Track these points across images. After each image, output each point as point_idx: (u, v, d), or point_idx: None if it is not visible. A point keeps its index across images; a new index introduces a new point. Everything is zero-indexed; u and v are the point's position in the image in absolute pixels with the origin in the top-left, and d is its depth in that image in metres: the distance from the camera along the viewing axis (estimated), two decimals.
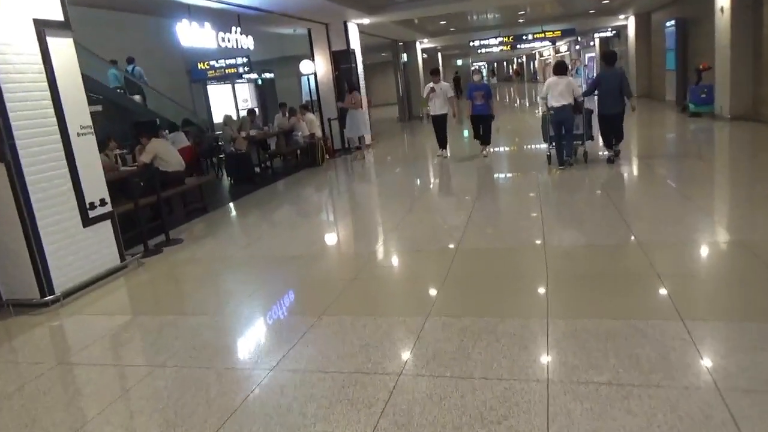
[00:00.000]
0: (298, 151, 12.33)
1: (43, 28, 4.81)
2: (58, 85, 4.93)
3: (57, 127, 4.91)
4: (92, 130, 5.36)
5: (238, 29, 10.01)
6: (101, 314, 4.45)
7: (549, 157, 8.82)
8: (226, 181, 11.04)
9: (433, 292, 4.07)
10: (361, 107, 12.35)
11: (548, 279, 4.05)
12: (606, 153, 8.75)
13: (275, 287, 4.65)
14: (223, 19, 9.99)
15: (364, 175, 10.83)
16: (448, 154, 11.07)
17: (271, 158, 12.02)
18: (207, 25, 9.15)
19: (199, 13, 9.11)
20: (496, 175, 9.02)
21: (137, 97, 16.63)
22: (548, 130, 8.62)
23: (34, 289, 4.72)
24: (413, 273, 4.76)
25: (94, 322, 4.34)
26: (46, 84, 4.83)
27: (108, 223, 5.43)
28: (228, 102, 19.46)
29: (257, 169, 11.61)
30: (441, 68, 27.12)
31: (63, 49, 5.04)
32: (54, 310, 4.65)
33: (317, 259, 5.37)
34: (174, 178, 7.77)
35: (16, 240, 4.63)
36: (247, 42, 10.30)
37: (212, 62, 19.74)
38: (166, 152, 7.76)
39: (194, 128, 12.26)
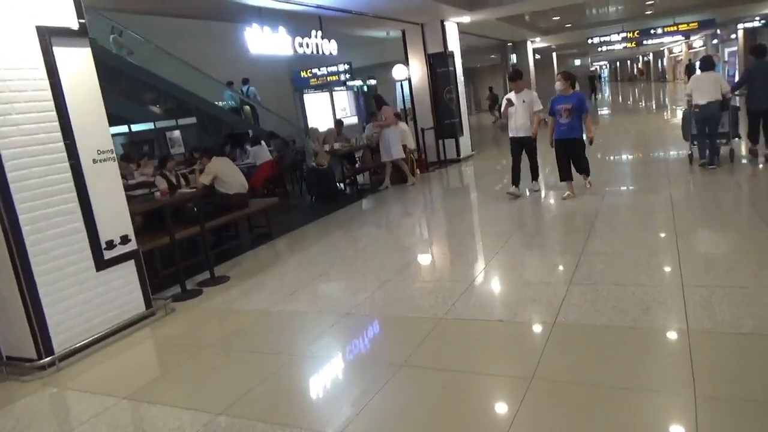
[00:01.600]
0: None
1: (48, 36, 4.03)
2: (68, 103, 4.13)
3: (65, 153, 4.11)
4: (114, 155, 4.52)
5: (319, 33, 9.07)
6: (90, 391, 3.54)
7: (690, 156, 8.45)
8: (308, 199, 10.19)
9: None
10: (395, 123, 10.16)
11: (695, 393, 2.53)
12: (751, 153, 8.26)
13: (314, 364, 3.50)
14: (302, 23, 9.13)
15: (452, 197, 9.48)
16: (537, 188, 8.02)
17: (356, 174, 11.01)
18: (281, 29, 8.28)
19: (273, 17, 8.28)
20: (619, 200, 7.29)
21: (246, 108, 16.68)
22: (690, 128, 8.24)
23: (31, 348, 3.95)
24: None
25: (77, 403, 3.44)
26: (51, 103, 4.05)
27: (131, 263, 4.59)
28: (326, 111, 18.87)
29: (342, 186, 10.66)
30: (556, 69, 24.93)
31: (77, 60, 4.25)
32: (48, 375, 3.84)
33: (381, 318, 4.15)
34: (236, 201, 6.93)
35: (9, 288, 3.88)
36: (330, 47, 9.36)
37: (314, 70, 19.42)
38: (227, 173, 6.94)
39: (278, 141, 11.56)
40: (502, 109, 7.81)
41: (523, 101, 7.45)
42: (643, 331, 3.32)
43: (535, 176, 8.00)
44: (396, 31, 12.42)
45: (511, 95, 7.63)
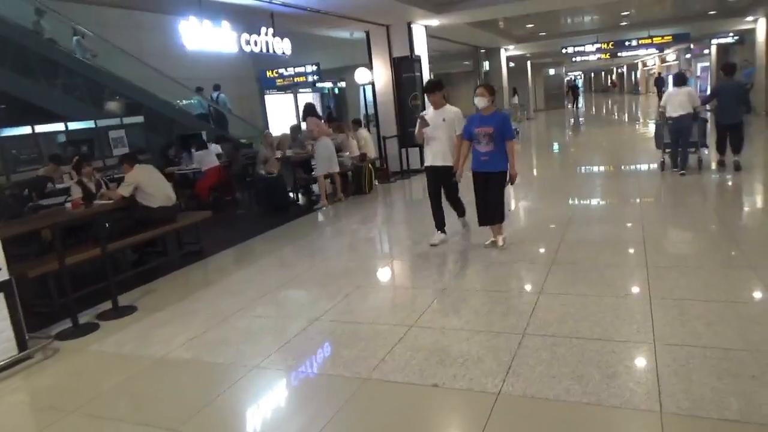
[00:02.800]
0: (349, 174, 10.47)
1: None
2: None
3: None
4: None
5: (270, 30, 8.30)
6: None
7: (663, 163, 9.10)
8: (257, 209, 9.39)
9: None
10: (326, 134, 9.16)
11: None
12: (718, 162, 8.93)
13: None
14: (251, 18, 8.36)
15: (408, 212, 8.80)
16: (467, 225, 6.24)
17: (309, 183, 10.25)
18: (224, 24, 7.49)
19: (216, 10, 7.49)
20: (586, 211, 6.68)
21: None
22: (662, 137, 8.96)
23: None
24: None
25: None
26: None
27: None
28: (289, 114, 18.05)
29: (295, 196, 9.90)
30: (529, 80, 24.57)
31: None
32: None
33: (297, 374, 3.40)
34: (161, 215, 6.11)
35: None
36: (282, 45, 8.59)
37: (281, 70, 18.58)
38: (151, 183, 6.11)
39: (228, 146, 10.73)
40: (416, 130, 5.77)
41: (443, 120, 5.57)
42: (607, 410, 2.65)
43: (461, 213, 6.14)
44: (360, 32, 11.72)
45: (428, 113, 5.76)
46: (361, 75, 11.44)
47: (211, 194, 9.73)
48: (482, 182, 5.42)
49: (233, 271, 6.08)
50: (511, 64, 25.24)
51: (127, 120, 12.46)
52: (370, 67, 11.66)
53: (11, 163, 10.22)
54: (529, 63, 29.10)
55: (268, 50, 8.26)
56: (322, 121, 10.10)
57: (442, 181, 5.78)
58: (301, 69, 18.25)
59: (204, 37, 7.15)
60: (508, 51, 21.60)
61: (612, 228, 6.30)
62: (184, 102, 15.88)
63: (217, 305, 4.80)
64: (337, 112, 23.10)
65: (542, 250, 5.56)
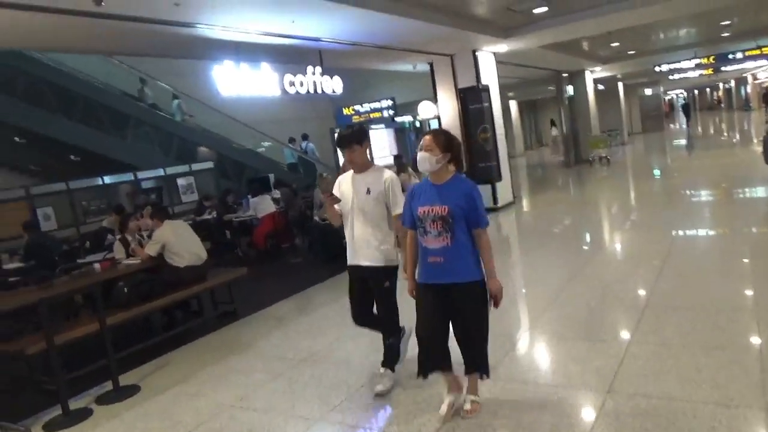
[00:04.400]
0: None
1: None
2: None
3: None
4: None
5: (318, 68, 7.82)
6: None
7: None
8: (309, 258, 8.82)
9: None
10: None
11: None
12: None
13: None
14: (295, 58, 7.93)
15: None
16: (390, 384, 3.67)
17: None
18: (264, 66, 7.08)
19: (255, 52, 7.10)
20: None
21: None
22: None
23: None
24: None
25: None
26: None
27: None
28: None
29: None
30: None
31: None
32: None
33: None
34: (187, 275, 5.63)
35: None
36: (332, 84, 8.08)
37: (356, 106, 18.41)
38: (178, 242, 5.65)
39: (285, 190, 10.34)
40: (326, 205, 3.79)
41: (368, 191, 3.46)
42: None
43: (391, 332, 3.69)
44: (423, 64, 11.06)
45: (345, 178, 3.62)
46: (425, 109, 10.73)
47: (268, 242, 9.32)
48: (436, 303, 3.06)
49: (263, 335, 5.44)
50: (600, 87, 23.57)
51: (197, 166, 12.56)
52: (435, 99, 10.93)
53: (82, 214, 10.42)
54: (620, 84, 27.17)
55: (315, 90, 7.77)
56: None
57: (372, 288, 3.55)
58: (376, 104, 17.97)
59: (241, 81, 6.74)
60: (594, 73, 20.10)
61: (718, 284, 5.04)
62: (263, 148, 16.20)
63: (236, 383, 4.14)
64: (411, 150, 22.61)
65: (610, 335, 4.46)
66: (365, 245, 3.48)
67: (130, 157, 11.69)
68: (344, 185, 3.57)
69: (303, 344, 4.88)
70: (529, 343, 4.20)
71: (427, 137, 3.07)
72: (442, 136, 3.08)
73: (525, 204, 11.65)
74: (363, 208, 3.47)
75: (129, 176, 11.32)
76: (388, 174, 3.52)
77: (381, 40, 8.34)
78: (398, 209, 3.39)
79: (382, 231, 3.49)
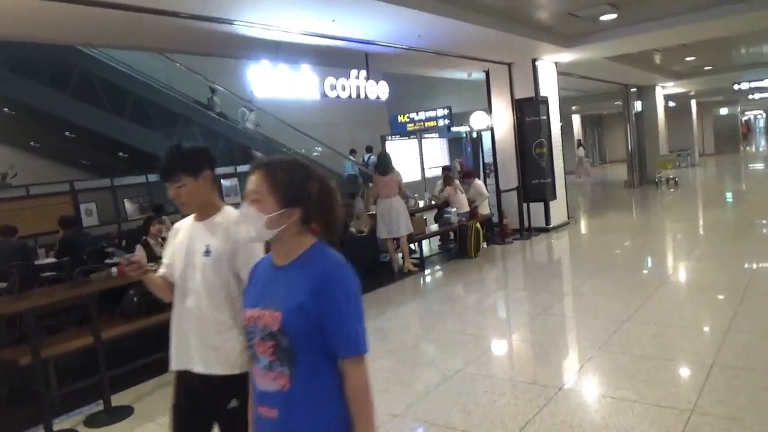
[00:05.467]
0: (452, 234, 9.13)
1: None
2: None
3: None
4: None
5: (362, 73, 7.40)
6: None
7: None
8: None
9: None
10: (397, 193, 7.55)
11: None
12: None
13: None
14: (339, 60, 7.54)
15: (523, 284, 7.18)
16: None
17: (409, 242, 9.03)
18: (305, 68, 6.72)
19: (296, 53, 6.75)
20: None
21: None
22: None
23: None
24: None
25: None
26: None
27: None
28: (412, 161, 17.17)
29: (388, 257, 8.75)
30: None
31: None
32: None
33: None
34: None
35: None
36: (377, 90, 7.64)
37: (412, 114, 18.02)
38: None
39: None
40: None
41: (206, 251, 2.13)
42: None
43: None
44: (478, 72, 10.48)
45: (183, 227, 2.27)
46: (477, 119, 10.14)
47: None
48: None
49: None
50: (671, 104, 22.18)
51: (241, 168, 12.38)
52: (489, 110, 10.32)
53: (124, 212, 10.38)
54: (693, 102, 25.57)
55: (358, 95, 7.35)
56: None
57: (206, 408, 2.12)
58: (432, 113, 17.57)
59: (278, 82, 6.39)
60: (665, 88, 18.86)
61: None
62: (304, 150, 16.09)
63: None
64: (474, 160, 22.00)
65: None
66: (198, 340, 2.10)
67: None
68: (178, 238, 2.23)
69: None
70: (565, 401, 3.56)
71: (253, 176, 1.60)
72: (281, 173, 1.56)
73: (580, 226, 10.83)
74: (197, 278, 2.11)
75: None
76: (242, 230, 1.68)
77: (431, 44, 7.83)
78: (244, 273, 1.94)
79: (226, 317, 2.09)
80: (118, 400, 4.08)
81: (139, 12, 4.83)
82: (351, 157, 15.75)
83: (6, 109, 9.91)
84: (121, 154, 11.61)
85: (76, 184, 9.87)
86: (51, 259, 7.57)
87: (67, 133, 10.68)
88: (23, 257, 7.18)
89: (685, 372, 3.85)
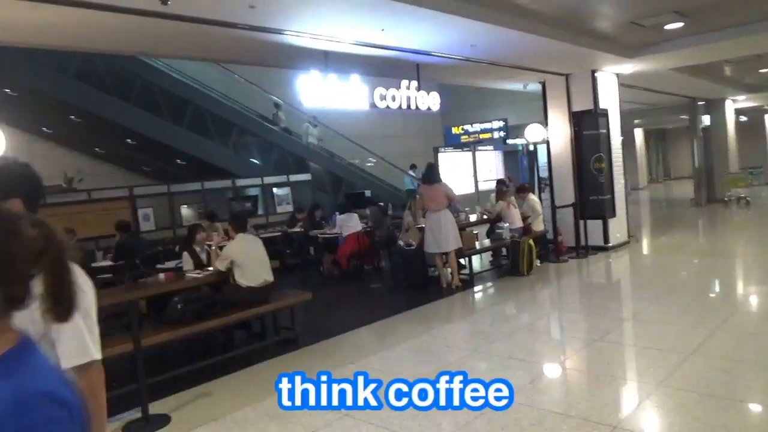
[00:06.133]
0: (504, 250, 8.84)
1: None
2: None
3: None
4: None
5: (413, 83, 7.28)
6: None
7: None
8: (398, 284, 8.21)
9: None
10: (445, 206, 7.28)
11: None
12: None
13: None
14: (388, 71, 7.45)
15: (574, 304, 6.82)
16: None
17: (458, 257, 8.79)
18: (354, 78, 6.66)
19: (345, 63, 6.69)
20: None
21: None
22: None
23: None
24: None
25: None
26: None
27: None
28: (466, 173, 16.88)
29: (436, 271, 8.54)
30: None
31: None
32: None
33: None
34: (248, 296, 5.26)
35: None
36: (428, 101, 7.50)
37: (466, 126, 17.82)
38: (245, 260, 5.29)
39: (374, 209, 9.85)
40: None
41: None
42: None
43: None
44: (535, 83, 10.17)
45: None
46: (533, 132, 9.82)
47: (351, 262, 8.87)
48: None
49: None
50: (743, 118, 20.98)
51: (294, 177, 12.50)
52: (545, 123, 9.98)
53: (180, 217, 10.62)
54: (767, 117, 24.13)
55: (408, 106, 7.23)
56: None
57: None
58: (487, 125, 17.31)
59: (328, 93, 6.34)
60: (736, 102, 17.85)
61: None
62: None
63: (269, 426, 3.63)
64: (529, 174, 21.53)
65: None
66: None
67: (232, 165, 11.90)
68: None
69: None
70: None
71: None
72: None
73: (642, 246, 10.29)
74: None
75: (228, 183, 11.45)
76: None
77: (485, 55, 7.62)
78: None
79: None
80: (158, 407, 4.07)
81: (201, 24, 4.90)
82: (411, 173, 15.60)
83: (73, 117, 10.34)
84: (178, 161, 11.92)
85: (135, 190, 10.19)
86: (107, 262, 7.80)
87: (129, 141, 11.05)
88: (79, 260, 7.44)
89: (757, 415, 3.47)
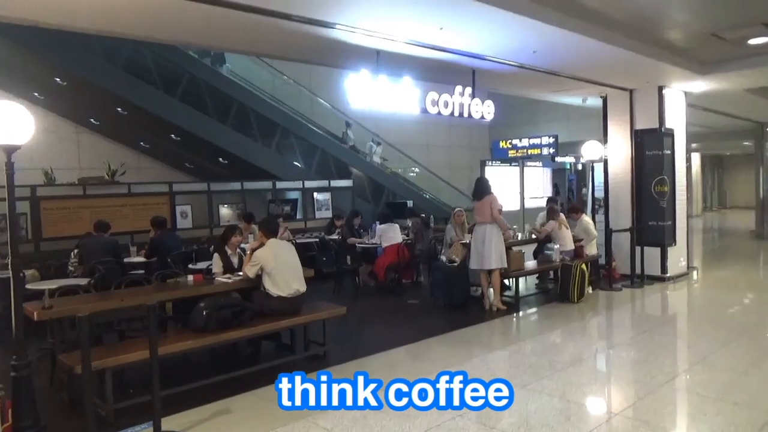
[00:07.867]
0: (552, 273, 8.27)
1: None
2: None
3: None
4: None
5: (467, 90, 6.83)
6: None
7: None
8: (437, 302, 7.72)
9: None
10: (489, 218, 6.85)
11: None
12: None
13: None
14: (443, 75, 7.03)
15: (623, 339, 6.19)
16: None
17: (505, 278, 8.25)
18: (407, 80, 6.26)
19: (399, 63, 6.31)
20: None
21: None
22: None
23: None
24: None
25: None
26: None
27: None
28: (512, 189, 16.26)
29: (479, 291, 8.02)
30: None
31: None
32: None
33: None
34: (277, 307, 4.90)
35: None
36: (483, 109, 7.04)
37: (515, 141, 17.28)
38: (276, 267, 4.94)
39: (416, 221, 9.39)
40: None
41: None
42: None
43: None
44: (595, 97, 9.57)
45: None
46: (590, 149, 9.23)
47: (389, 275, 8.45)
48: None
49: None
50: None
51: (336, 183, 12.19)
52: (604, 140, 9.36)
53: (218, 217, 10.42)
54: None
55: (461, 114, 6.78)
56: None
57: None
58: (536, 140, 16.70)
59: (376, 94, 5.96)
60: None
61: None
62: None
63: None
64: (577, 192, 20.74)
65: None
66: None
67: (274, 167, 11.68)
68: None
69: (390, 425, 3.80)
70: None
71: None
72: None
73: (702, 278, 9.51)
74: None
75: (268, 184, 11.21)
76: None
77: (547, 62, 7.11)
78: None
79: None
80: (170, 423, 3.73)
81: (254, 13, 4.60)
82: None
83: (119, 109, 10.27)
84: (221, 159, 11.77)
85: (174, 186, 10.03)
86: (140, 258, 7.60)
87: (172, 136, 10.94)
88: (113, 254, 7.23)
89: None
